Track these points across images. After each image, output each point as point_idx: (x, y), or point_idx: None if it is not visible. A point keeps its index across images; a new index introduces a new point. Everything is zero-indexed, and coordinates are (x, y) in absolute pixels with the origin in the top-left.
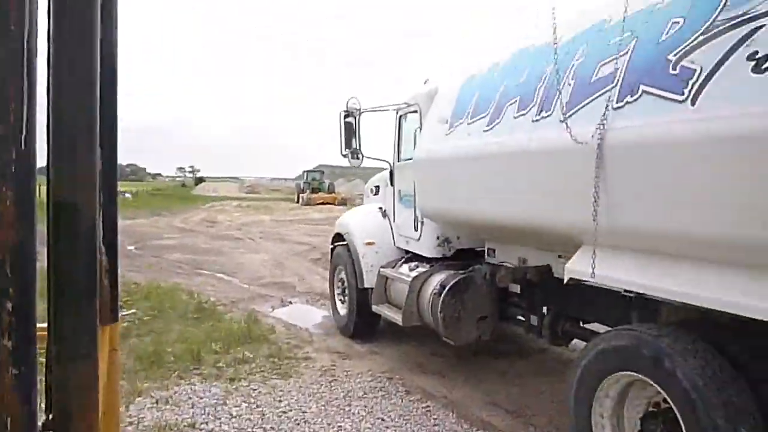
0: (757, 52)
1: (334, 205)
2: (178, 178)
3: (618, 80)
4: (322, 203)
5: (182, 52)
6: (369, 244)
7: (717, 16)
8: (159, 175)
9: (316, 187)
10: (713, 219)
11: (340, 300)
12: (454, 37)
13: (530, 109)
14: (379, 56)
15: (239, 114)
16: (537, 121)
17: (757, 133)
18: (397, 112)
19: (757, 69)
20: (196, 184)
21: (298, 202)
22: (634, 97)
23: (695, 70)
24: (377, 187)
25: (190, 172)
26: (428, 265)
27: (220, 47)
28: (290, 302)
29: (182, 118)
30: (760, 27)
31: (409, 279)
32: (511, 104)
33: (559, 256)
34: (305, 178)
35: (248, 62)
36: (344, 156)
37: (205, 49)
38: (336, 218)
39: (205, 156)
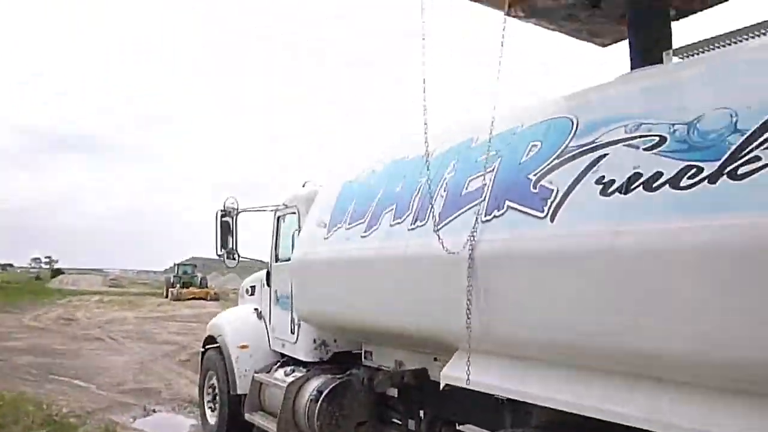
0: (603, 177)
1: (206, 300)
2: (32, 270)
3: (486, 195)
4: (193, 298)
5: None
6: (243, 347)
7: (569, 143)
8: (10, 265)
9: (188, 281)
10: (573, 327)
11: (210, 408)
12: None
13: (406, 217)
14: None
15: (106, 199)
16: (412, 229)
17: (605, 249)
18: (275, 213)
19: (604, 192)
20: (53, 277)
21: (167, 297)
22: (501, 211)
23: (553, 190)
24: (253, 287)
25: (46, 262)
26: (305, 369)
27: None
28: (154, 411)
29: (39, 200)
30: (605, 155)
31: (285, 384)
32: (387, 212)
33: (435, 359)
34: (176, 271)
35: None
36: (219, 257)
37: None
38: (208, 314)
39: (64, 244)
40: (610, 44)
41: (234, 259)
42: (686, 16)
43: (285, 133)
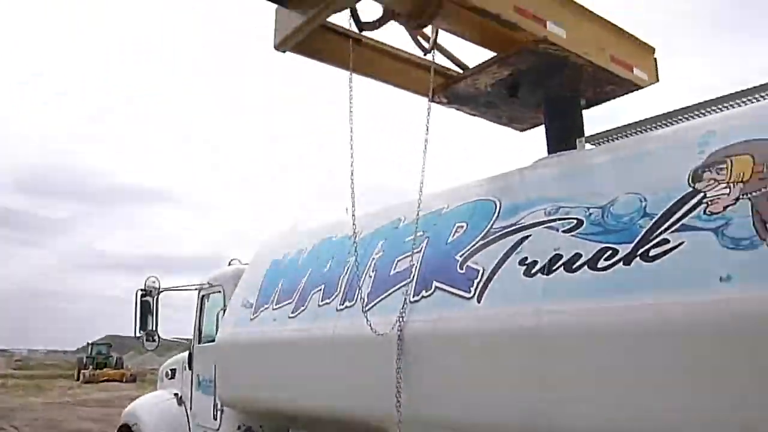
0: (526, 258)
1: (122, 382)
2: None
3: (414, 275)
4: (108, 380)
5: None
6: None
7: (493, 225)
8: None
9: (102, 361)
10: (502, 406)
11: None
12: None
13: (334, 297)
14: None
15: (11, 273)
16: (341, 310)
17: (530, 329)
18: (199, 292)
19: (527, 273)
20: None
21: (78, 379)
22: (429, 292)
23: (478, 270)
24: (173, 370)
25: None
26: None
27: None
28: None
29: None
30: (527, 237)
31: None
32: (316, 292)
33: None
34: (89, 351)
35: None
36: (138, 338)
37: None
38: (123, 398)
39: None
40: (527, 129)
41: (154, 341)
42: (596, 105)
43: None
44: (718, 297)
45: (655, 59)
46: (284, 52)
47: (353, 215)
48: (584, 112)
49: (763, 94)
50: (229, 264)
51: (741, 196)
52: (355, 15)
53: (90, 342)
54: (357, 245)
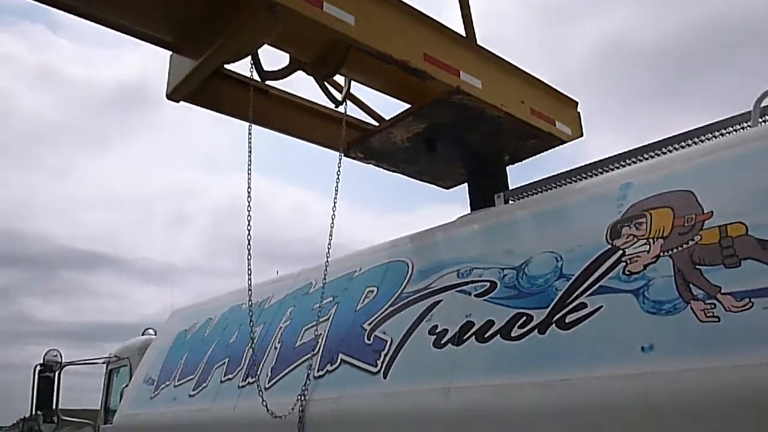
0: (437, 326)
1: None
2: None
3: (320, 347)
4: None
5: None
6: None
7: (404, 288)
8: None
9: None
10: None
11: None
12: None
13: (237, 373)
14: None
15: None
16: (243, 387)
17: (436, 410)
18: (107, 366)
19: (437, 343)
20: None
21: None
22: (334, 366)
23: (386, 341)
24: None
25: None
26: None
27: None
28: None
29: None
30: (439, 302)
31: None
32: (219, 366)
33: None
34: (21, 427)
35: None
36: (30, 420)
37: None
38: None
39: None
40: (453, 186)
41: (53, 422)
42: (519, 160)
43: None
44: (640, 370)
45: (579, 113)
46: (177, 101)
47: (249, 280)
48: (510, 167)
49: (680, 144)
50: (143, 333)
51: (661, 254)
52: (257, 63)
53: (24, 417)
54: (265, 312)
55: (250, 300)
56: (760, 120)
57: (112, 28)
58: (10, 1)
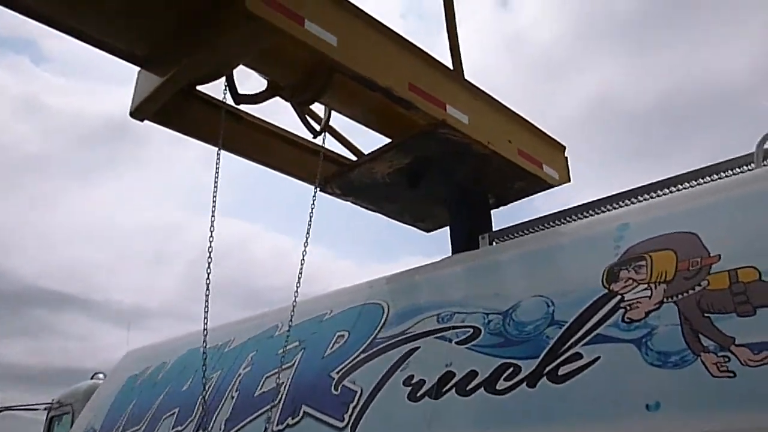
0: (413, 377)
1: None
2: None
3: (281, 397)
4: None
5: None
6: None
7: (378, 333)
8: None
9: None
10: None
11: None
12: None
13: (187, 425)
14: None
15: None
16: None
17: None
18: (48, 412)
19: (412, 396)
20: None
21: None
22: (296, 419)
23: (356, 392)
24: None
25: None
26: None
27: None
28: None
29: None
30: (416, 349)
31: None
32: (168, 417)
33: None
34: None
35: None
36: None
37: None
38: None
39: None
40: (434, 229)
41: None
42: (505, 204)
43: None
44: (645, 429)
45: (566, 158)
46: (141, 120)
47: (205, 319)
48: (495, 211)
49: (680, 185)
50: (92, 378)
51: (665, 300)
52: (231, 86)
53: None
54: (224, 357)
55: (205, 341)
56: (764, 162)
57: (80, 39)
58: None
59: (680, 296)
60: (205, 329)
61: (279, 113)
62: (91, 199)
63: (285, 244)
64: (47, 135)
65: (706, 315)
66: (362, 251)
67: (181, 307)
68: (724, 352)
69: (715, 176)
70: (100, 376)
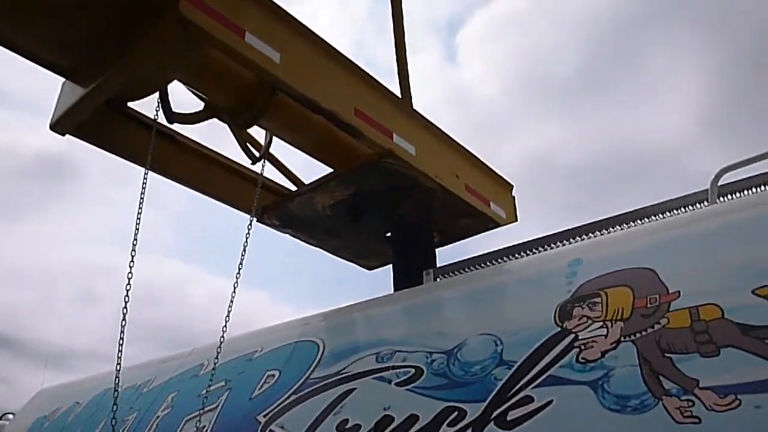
0: (347, 421)
1: None
2: None
3: None
4: None
5: None
6: None
7: (311, 373)
8: None
9: None
10: None
11: None
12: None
13: None
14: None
15: None
16: None
17: None
18: None
19: None
20: None
21: None
22: None
23: None
24: None
25: None
26: None
27: None
28: None
29: None
30: (352, 390)
31: None
32: None
33: None
34: None
35: None
36: None
37: None
38: None
39: None
40: (377, 267)
41: None
42: (450, 241)
43: None
44: None
45: (513, 197)
46: (63, 134)
47: (119, 355)
48: (439, 249)
49: (633, 221)
50: (1, 418)
51: (622, 339)
52: (165, 104)
53: None
54: (142, 397)
55: (117, 379)
56: (718, 199)
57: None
58: None
59: (638, 335)
60: (118, 364)
61: (220, 138)
62: (20, 236)
63: (224, 287)
64: None
65: (666, 355)
66: (302, 294)
67: (111, 349)
68: (687, 395)
69: (669, 213)
70: (9, 416)
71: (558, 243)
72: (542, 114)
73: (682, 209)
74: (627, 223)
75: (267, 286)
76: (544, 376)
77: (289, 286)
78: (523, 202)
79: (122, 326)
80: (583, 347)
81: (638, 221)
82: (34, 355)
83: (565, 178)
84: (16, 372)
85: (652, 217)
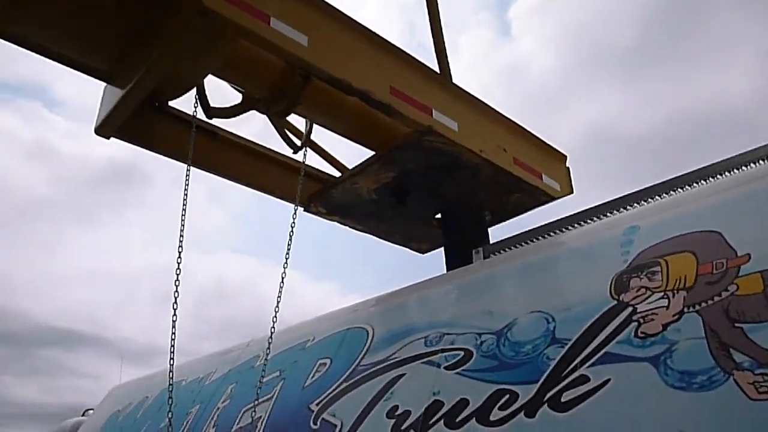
0: (397, 408)
1: None
2: None
3: None
4: None
5: None
6: None
7: (361, 360)
8: None
9: None
10: None
11: None
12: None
13: None
14: None
15: None
16: None
17: None
18: None
19: (397, 429)
20: None
21: None
22: None
23: (336, 426)
24: None
25: None
26: None
27: None
28: None
29: None
30: (401, 376)
31: None
32: None
33: None
34: None
35: None
36: None
37: None
38: None
39: None
40: (429, 250)
41: None
42: (503, 219)
43: None
44: None
45: (568, 168)
46: (107, 137)
47: (172, 350)
48: (492, 228)
49: (694, 183)
50: (83, 414)
51: (686, 309)
52: (202, 99)
53: None
54: (204, 390)
55: (171, 374)
56: None
57: (37, 51)
58: (11, 80)
59: (704, 305)
60: (171, 358)
61: (258, 129)
62: (98, 241)
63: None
64: (56, 178)
65: (737, 325)
66: (370, 282)
67: (189, 344)
68: (762, 369)
69: (736, 171)
70: (90, 412)
71: (614, 211)
72: (601, 84)
73: (751, 165)
74: (689, 185)
75: (337, 276)
76: (600, 354)
77: (358, 276)
78: (585, 175)
79: (173, 322)
80: (642, 321)
81: (700, 182)
82: (119, 353)
83: (628, 149)
84: (104, 368)
85: (717, 176)
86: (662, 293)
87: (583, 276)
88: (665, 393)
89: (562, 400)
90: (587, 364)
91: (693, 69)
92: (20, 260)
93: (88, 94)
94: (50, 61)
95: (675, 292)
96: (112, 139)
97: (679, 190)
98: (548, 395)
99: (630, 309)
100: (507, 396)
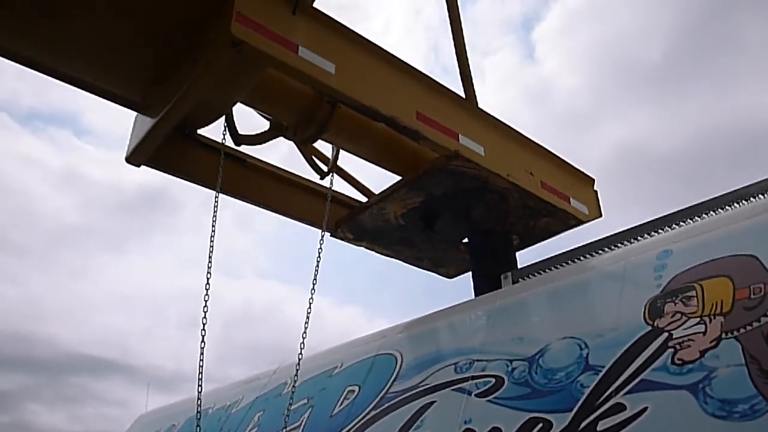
0: None
1: None
2: None
3: None
4: None
5: None
6: None
7: (389, 387)
8: None
9: None
10: None
11: None
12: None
13: None
14: None
15: None
16: None
17: None
18: None
19: None
20: None
21: None
22: None
23: None
24: None
25: None
26: None
27: None
28: None
29: None
30: (431, 404)
31: None
32: None
33: None
34: None
35: None
36: None
37: None
38: None
39: None
40: (456, 275)
41: None
42: (531, 243)
43: None
44: None
45: (596, 191)
46: (138, 165)
47: (200, 379)
48: (520, 253)
49: (728, 205)
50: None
51: (724, 335)
52: (231, 126)
53: None
54: (231, 418)
55: (199, 401)
56: None
57: (72, 83)
58: (43, 109)
59: (743, 330)
60: (199, 386)
61: (285, 156)
62: (127, 266)
63: (322, 304)
64: (85, 205)
65: None
66: (395, 308)
67: (217, 370)
68: None
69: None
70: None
71: (645, 235)
72: (630, 103)
73: None
74: (722, 207)
75: (361, 301)
76: (635, 381)
77: (384, 301)
78: (616, 196)
79: (201, 349)
80: (678, 347)
81: (734, 204)
82: (146, 379)
83: (659, 170)
84: (131, 395)
85: (751, 198)
86: (698, 318)
87: (615, 301)
88: (705, 422)
89: (598, 428)
90: (623, 392)
91: (726, 86)
92: (50, 287)
93: (115, 122)
94: (82, 91)
95: (712, 317)
96: (142, 166)
97: (711, 213)
98: (583, 424)
99: (666, 335)
100: (541, 425)
